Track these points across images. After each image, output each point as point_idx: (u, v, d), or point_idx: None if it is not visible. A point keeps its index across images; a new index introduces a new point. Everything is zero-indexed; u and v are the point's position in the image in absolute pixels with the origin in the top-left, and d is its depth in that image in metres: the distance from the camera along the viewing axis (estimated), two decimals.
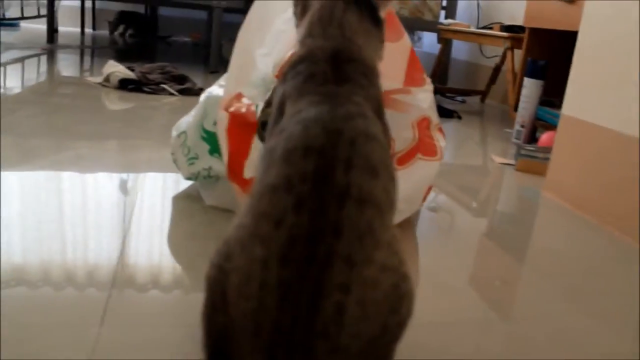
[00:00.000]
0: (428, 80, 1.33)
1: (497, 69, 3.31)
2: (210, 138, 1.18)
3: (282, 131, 0.63)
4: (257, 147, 1.00)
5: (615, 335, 0.94)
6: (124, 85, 2.45)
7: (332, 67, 0.71)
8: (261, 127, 0.99)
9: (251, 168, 1.00)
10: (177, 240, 1.08)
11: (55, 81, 2.60)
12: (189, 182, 1.34)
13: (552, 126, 2.23)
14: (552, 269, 1.17)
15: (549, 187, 1.66)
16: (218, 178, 1.18)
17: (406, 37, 1.28)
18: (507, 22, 3.21)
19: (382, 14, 0.77)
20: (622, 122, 1.40)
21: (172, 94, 2.47)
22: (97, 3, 5.16)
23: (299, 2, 0.83)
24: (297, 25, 0.83)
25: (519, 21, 3.24)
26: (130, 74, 2.46)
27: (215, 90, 1.26)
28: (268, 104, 1.00)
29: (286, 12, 1.18)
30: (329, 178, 0.57)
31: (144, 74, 2.52)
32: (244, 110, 1.02)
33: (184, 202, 1.25)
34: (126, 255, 0.99)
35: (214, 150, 1.18)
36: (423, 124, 1.23)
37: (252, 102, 1.04)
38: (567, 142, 1.60)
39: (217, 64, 3.35)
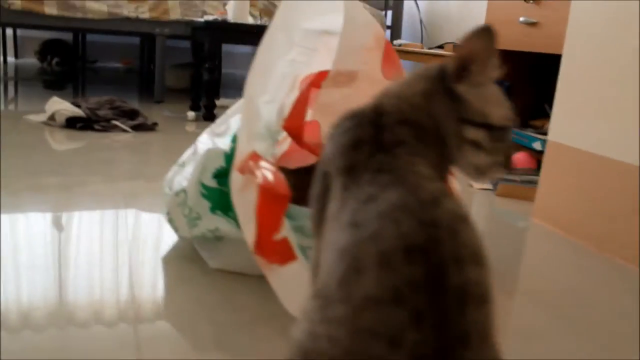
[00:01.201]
0: None
1: None
2: (210, 194, 1.07)
3: (357, 226, 0.54)
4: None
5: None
6: (72, 123, 2.27)
7: (377, 131, 0.63)
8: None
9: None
10: (179, 306, 0.98)
11: None
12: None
13: (520, 146, 2.24)
14: (549, 296, 1.14)
15: (538, 213, 1.64)
16: (222, 238, 1.08)
17: (405, 75, 1.22)
18: (450, 41, 3.23)
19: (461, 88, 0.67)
20: (612, 148, 1.39)
21: (125, 130, 2.31)
22: (18, 30, 4.86)
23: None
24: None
25: None
26: (77, 111, 2.28)
27: (206, 140, 1.15)
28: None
29: (289, 54, 1.09)
30: (443, 282, 0.49)
31: (92, 110, 2.35)
32: (270, 177, 0.91)
33: (178, 264, 1.14)
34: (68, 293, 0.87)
35: (216, 207, 1.07)
36: None
37: (273, 165, 0.94)
38: (556, 169, 1.59)
39: (162, 94, 3.20)
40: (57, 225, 1.28)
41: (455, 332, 0.47)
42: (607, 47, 1.41)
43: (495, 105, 0.65)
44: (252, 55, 4.16)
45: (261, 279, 1.02)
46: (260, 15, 3.14)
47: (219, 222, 1.06)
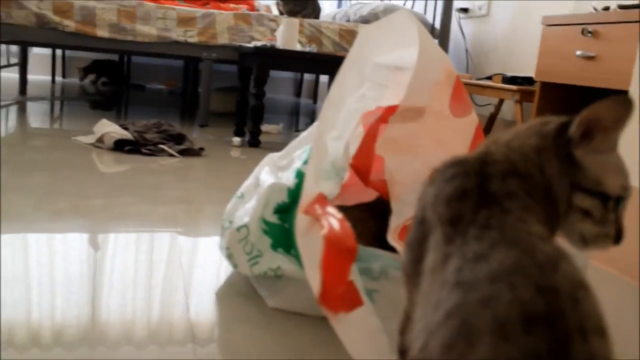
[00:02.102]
0: None
1: (492, 118, 3.27)
2: (272, 230, 1.04)
3: (465, 286, 0.49)
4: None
5: None
6: (120, 146, 2.28)
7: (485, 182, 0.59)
8: None
9: None
10: (233, 346, 0.95)
11: (27, 133, 2.41)
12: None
13: None
14: None
15: (594, 255, 1.57)
16: (282, 277, 1.04)
17: (474, 112, 1.18)
18: (498, 72, 3.19)
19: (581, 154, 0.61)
20: None
21: (172, 155, 2.31)
22: (67, 51, 4.97)
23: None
24: None
25: (511, 71, 3.23)
26: (126, 134, 2.29)
27: (269, 174, 1.12)
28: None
29: (360, 89, 1.07)
30: (568, 357, 0.44)
31: (140, 133, 2.35)
32: (336, 227, 0.87)
33: (233, 300, 1.10)
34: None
35: (277, 244, 1.04)
36: None
37: (339, 212, 0.90)
38: None
39: (206, 118, 3.21)
40: (94, 245, 1.29)
41: None
42: None
43: (613, 173, 0.60)
44: (292, 80, 4.18)
45: (323, 320, 0.97)
46: (307, 42, 3.14)
47: (281, 261, 1.02)
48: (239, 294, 1.12)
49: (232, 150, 2.65)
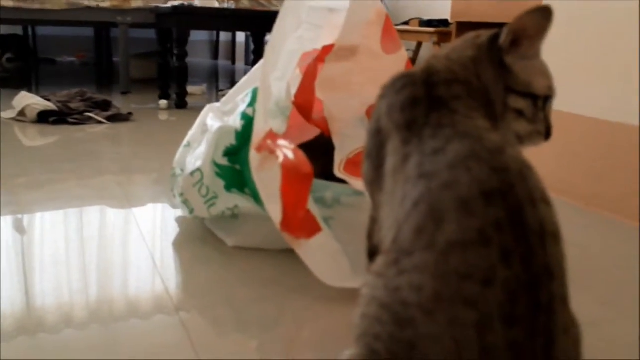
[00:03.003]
0: None
1: (412, 62, 3.37)
2: (224, 173, 1.08)
3: (428, 176, 0.56)
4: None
5: (611, 313, 0.97)
6: (44, 118, 2.21)
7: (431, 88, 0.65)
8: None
9: None
10: (200, 288, 0.98)
11: None
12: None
13: None
14: None
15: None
16: (238, 216, 1.08)
17: (403, 49, 1.25)
18: (414, 17, 3.29)
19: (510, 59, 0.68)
20: (595, 108, 1.46)
21: (100, 122, 2.27)
22: None
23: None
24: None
25: (426, 16, 3.33)
26: (50, 105, 2.22)
27: (215, 119, 1.15)
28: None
29: (298, 31, 1.10)
30: (523, 221, 0.52)
31: (64, 103, 2.29)
32: (291, 156, 0.92)
33: (191, 247, 1.14)
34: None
35: (230, 185, 1.08)
36: None
37: (291, 143, 0.95)
38: None
39: (128, 84, 3.13)
40: (19, 228, 1.21)
41: (540, 266, 0.51)
42: (593, 9, 1.47)
43: (539, 76, 0.68)
44: (208, 42, 4.06)
45: (282, 252, 1.04)
46: None
47: (237, 200, 1.06)
48: (197, 239, 1.16)
49: (160, 114, 2.62)
